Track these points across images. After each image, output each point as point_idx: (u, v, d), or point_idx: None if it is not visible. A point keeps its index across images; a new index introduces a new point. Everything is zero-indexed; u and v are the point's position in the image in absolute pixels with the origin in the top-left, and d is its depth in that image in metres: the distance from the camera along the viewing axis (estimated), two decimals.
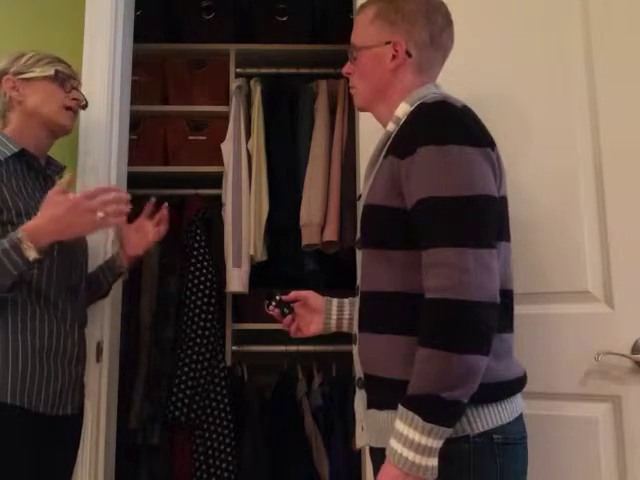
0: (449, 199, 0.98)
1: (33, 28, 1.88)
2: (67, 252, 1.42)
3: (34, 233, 1.21)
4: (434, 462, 0.93)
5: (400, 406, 0.96)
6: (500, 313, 1.03)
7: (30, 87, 1.44)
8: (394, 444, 0.95)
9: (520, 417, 1.08)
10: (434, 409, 0.93)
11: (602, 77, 1.41)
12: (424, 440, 0.92)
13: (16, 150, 1.40)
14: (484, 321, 0.95)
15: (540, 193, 1.43)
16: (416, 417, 0.93)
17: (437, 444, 0.93)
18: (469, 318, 0.94)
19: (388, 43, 1.16)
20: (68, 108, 1.47)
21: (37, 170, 1.46)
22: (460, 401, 0.94)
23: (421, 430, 0.92)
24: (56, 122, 1.46)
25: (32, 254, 1.20)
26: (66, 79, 1.48)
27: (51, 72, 1.44)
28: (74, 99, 1.49)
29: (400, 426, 0.94)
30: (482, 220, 0.99)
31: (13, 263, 1.20)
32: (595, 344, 1.31)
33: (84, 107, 1.56)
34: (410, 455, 0.93)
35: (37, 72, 1.44)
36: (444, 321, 0.95)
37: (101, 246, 1.73)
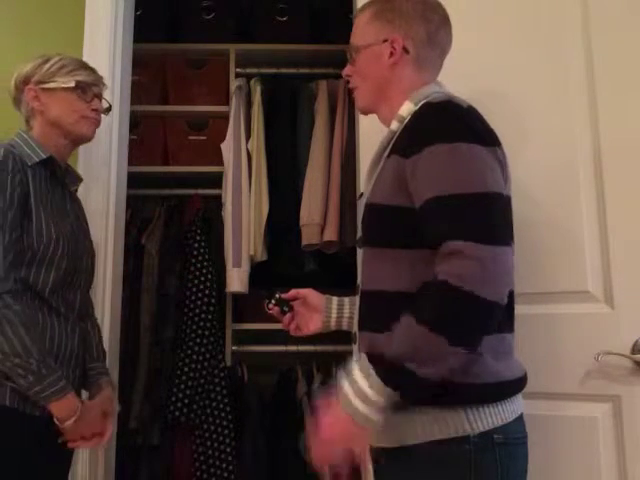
0: (466, 196, 0.97)
1: (33, 28, 1.88)
2: (74, 259, 1.43)
3: (58, 405, 1.30)
4: (380, 417, 0.96)
5: (364, 355, 0.97)
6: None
7: (51, 97, 1.44)
8: (347, 389, 0.97)
9: (520, 417, 1.08)
10: (393, 374, 0.94)
11: (601, 75, 1.41)
12: (375, 397, 0.94)
13: (44, 157, 1.41)
14: (486, 321, 0.95)
15: (540, 193, 1.43)
16: (374, 374, 0.94)
17: (386, 404, 0.95)
18: (474, 314, 0.94)
19: (385, 41, 1.17)
20: (88, 117, 1.48)
21: (58, 178, 1.47)
22: (422, 377, 0.94)
23: (374, 387, 0.94)
24: (76, 132, 1.47)
25: (41, 404, 1.29)
26: (87, 88, 1.47)
27: (72, 84, 1.44)
28: (94, 109, 1.48)
29: (357, 375, 0.96)
30: (499, 218, 0.99)
31: (28, 386, 1.27)
32: (595, 344, 1.31)
33: (107, 112, 1.58)
34: (360, 406, 0.95)
35: (58, 83, 1.44)
36: (449, 308, 0.93)
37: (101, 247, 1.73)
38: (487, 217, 0.97)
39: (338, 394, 0.98)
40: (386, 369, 0.95)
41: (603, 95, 1.40)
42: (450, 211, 0.97)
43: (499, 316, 0.97)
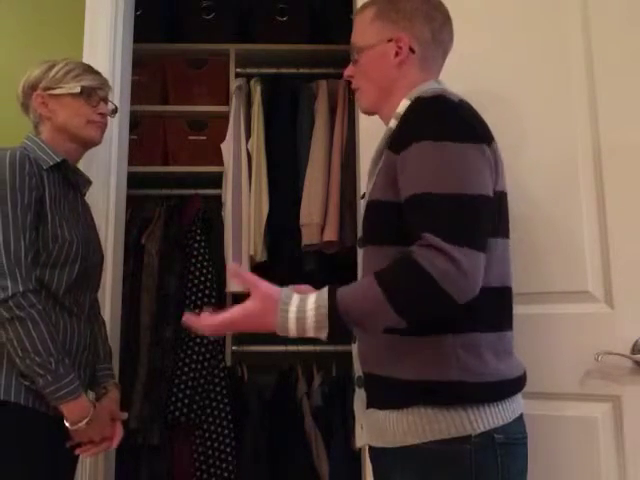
0: (450, 196, 0.97)
1: (33, 28, 1.88)
2: (86, 261, 1.44)
3: (71, 407, 1.30)
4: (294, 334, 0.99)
5: (328, 292, 0.97)
6: (500, 311, 1.04)
7: (58, 103, 1.46)
8: (294, 306, 0.98)
9: (520, 417, 1.08)
10: (337, 324, 0.96)
11: (601, 75, 1.41)
12: (310, 332, 0.97)
13: (58, 160, 1.43)
14: (440, 314, 0.98)
15: (540, 192, 1.43)
16: (324, 320, 0.96)
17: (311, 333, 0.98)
18: (434, 306, 0.95)
19: (390, 41, 1.17)
20: (95, 121, 1.49)
21: (70, 181, 1.49)
22: (351, 328, 0.99)
23: (316, 326, 0.97)
24: (84, 137, 1.49)
25: (55, 404, 1.30)
26: (92, 92, 1.49)
27: (77, 89, 1.46)
28: (100, 113, 1.50)
29: (311, 303, 0.97)
30: (480, 222, 0.99)
31: (44, 385, 1.27)
32: (595, 344, 1.31)
33: (113, 114, 1.59)
34: (292, 325, 0.97)
35: (64, 89, 1.45)
36: (414, 289, 0.94)
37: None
38: (468, 219, 0.97)
39: (283, 297, 0.99)
40: (335, 322, 0.96)
41: (603, 95, 1.40)
42: (433, 209, 0.97)
43: (451, 314, 0.98)
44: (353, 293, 0.99)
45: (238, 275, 1.03)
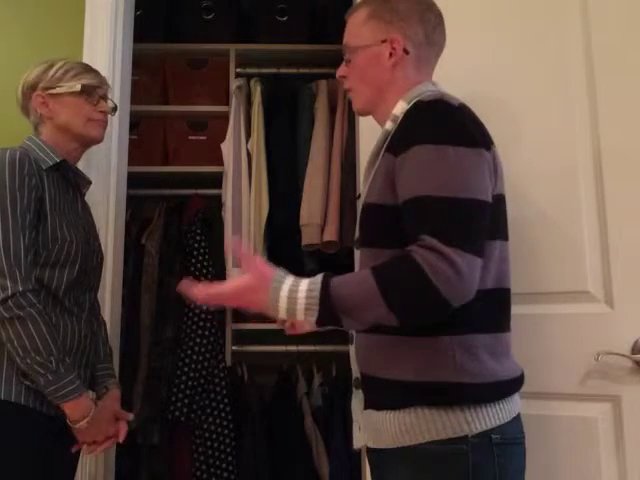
0: (448, 200, 0.97)
1: (33, 28, 1.88)
2: (86, 261, 1.45)
3: (72, 406, 1.31)
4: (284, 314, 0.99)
5: (322, 277, 0.98)
6: (498, 313, 1.04)
7: (58, 103, 1.46)
8: (287, 285, 0.98)
9: (518, 417, 1.08)
10: (327, 309, 0.96)
11: (602, 75, 1.40)
12: (300, 314, 0.97)
13: (58, 160, 1.43)
14: (433, 316, 0.98)
15: (539, 192, 1.43)
16: (315, 303, 0.96)
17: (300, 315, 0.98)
18: (427, 306, 0.95)
19: (384, 41, 1.16)
20: (95, 120, 1.49)
21: (70, 181, 1.49)
22: (341, 317, 0.97)
23: (306, 308, 0.96)
24: (86, 135, 1.49)
25: (56, 403, 1.30)
26: (92, 91, 1.49)
27: (77, 88, 1.46)
28: (101, 111, 1.50)
29: (304, 285, 0.98)
30: (477, 225, 0.99)
31: (45, 384, 1.27)
32: (595, 344, 1.31)
33: (113, 112, 1.59)
34: (283, 303, 0.97)
35: (64, 88, 1.45)
36: (409, 287, 0.95)
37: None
38: (465, 223, 0.97)
39: (275, 280, 0.99)
40: (327, 308, 0.96)
41: (603, 95, 1.40)
42: (432, 212, 0.97)
43: (445, 315, 0.98)
44: (347, 282, 0.99)
45: (237, 250, 1.03)
